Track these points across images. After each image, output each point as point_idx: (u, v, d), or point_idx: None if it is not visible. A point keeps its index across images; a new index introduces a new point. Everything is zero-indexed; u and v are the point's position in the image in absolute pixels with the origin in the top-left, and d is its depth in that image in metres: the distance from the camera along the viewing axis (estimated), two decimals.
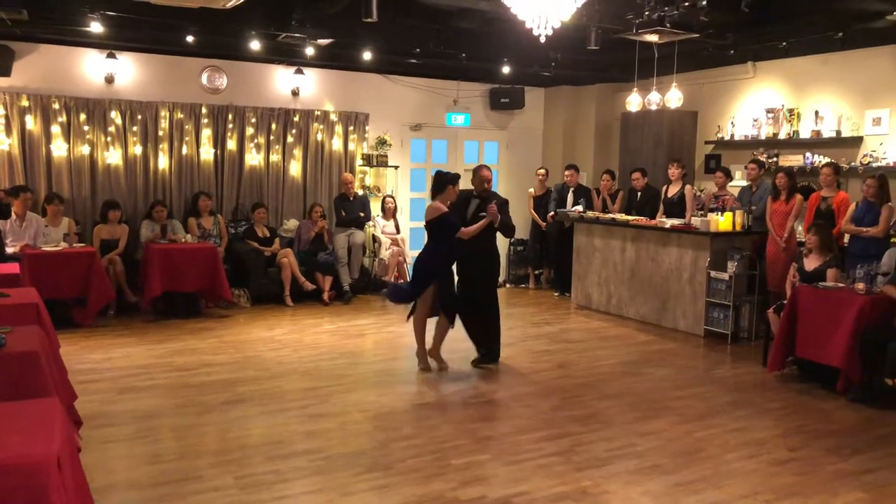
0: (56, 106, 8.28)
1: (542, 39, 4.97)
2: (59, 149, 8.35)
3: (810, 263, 6.31)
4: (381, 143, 10.08)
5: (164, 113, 8.83)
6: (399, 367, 6.32)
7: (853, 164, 7.74)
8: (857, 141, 7.87)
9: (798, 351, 5.98)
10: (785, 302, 6.19)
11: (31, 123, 8.20)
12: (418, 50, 8.64)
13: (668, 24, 6.52)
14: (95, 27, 7.23)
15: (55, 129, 8.31)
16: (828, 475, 4.21)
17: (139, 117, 8.71)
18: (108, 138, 8.58)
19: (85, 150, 8.48)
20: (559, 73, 9.72)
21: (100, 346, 6.72)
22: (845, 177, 7.61)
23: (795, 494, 3.94)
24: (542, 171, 10.37)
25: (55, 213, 7.79)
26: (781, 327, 6.03)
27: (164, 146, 8.88)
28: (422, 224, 5.72)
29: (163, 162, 8.89)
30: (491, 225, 6.04)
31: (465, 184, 6.64)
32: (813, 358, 5.87)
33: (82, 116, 8.43)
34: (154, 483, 3.92)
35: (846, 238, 6.95)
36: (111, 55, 8.46)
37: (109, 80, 8.59)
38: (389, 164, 10.18)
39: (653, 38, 7.07)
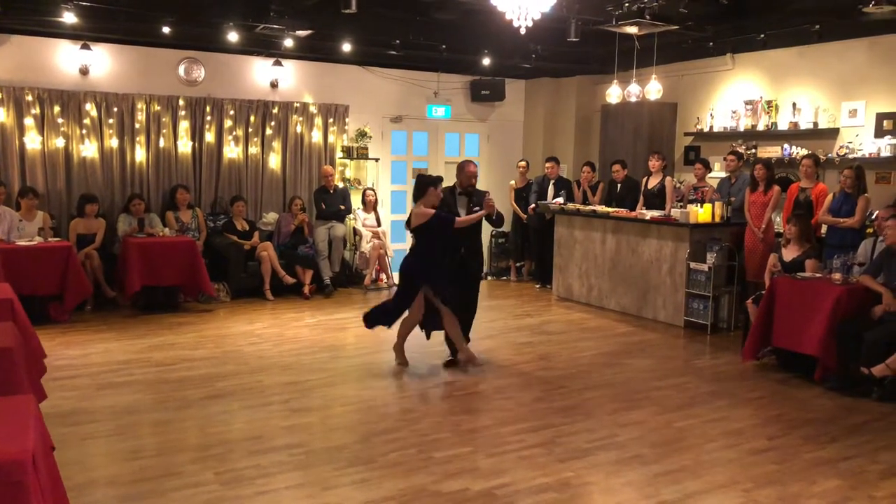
0: (29, 98, 8.14)
1: (522, 31, 4.97)
2: (32, 141, 8.21)
3: (788, 254, 6.37)
4: (362, 135, 10.03)
5: (140, 105, 8.71)
6: (381, 361, 6.30)
7: (830, 155, 7.82)
8: (833, 132, 7.95)
9: (775, 341, 6.04)
10: (763, 292, 6.25)
11: (4, 116, 8.04)
12: (398, 41, 8.60)
13: (647, 16, 6.56)
14: (69, 18, 7.11)
15: (28, 121, 8.16)
16: (805, 463, 4.26)
17: (115, 109, 8.59)
18: (84, 131, 8.45)
19: (59, 142, 8.35)
20: (539, 64, 9.73)
21: (77, 342, 6.64)
22: (822, 168, 7.69)
23: (774, 483, 3.98)
24: (523, 163, 10.38)
25: (29, 208, 7.66)
26: (759, 317, 6.09)
27: (141, 139, 8.76)
28: (402, 216, 5.71)
29: (140, 155, 8.78)
30: (478, 220, 5.99)
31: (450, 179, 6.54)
32: (791, 347, 5.93)
33: (56, 108, 8.29)
34: (134, 479, 3.87)
35: (824, 229, 7.02)
36: (85, 46, 8.32)
37: (84, 71, 8.45)
38: (370, 156, 10.13)
39: (632, 29, 7.11)
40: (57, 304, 7.30)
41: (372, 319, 6.03)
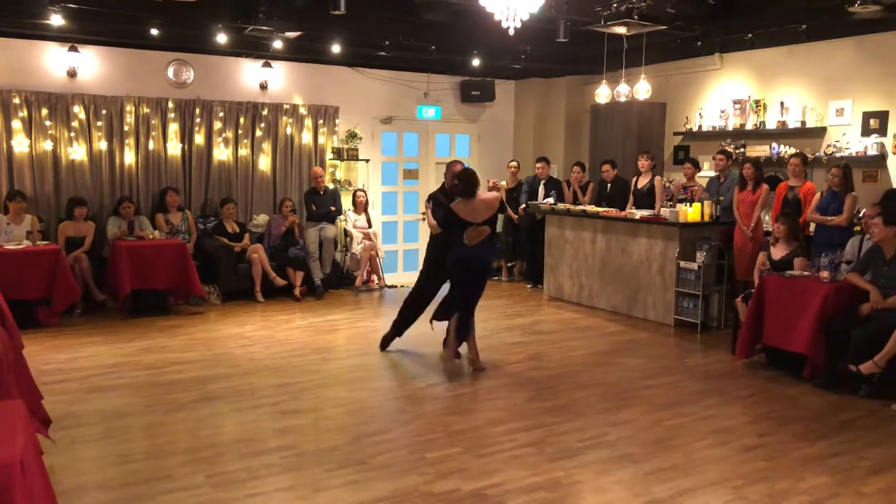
0: (17, 101, 8.10)
1: (511, 32, 4.97)
2: (20, 144, 8.17)
3: (777, 252, 6.40)
4: (352, 136, 10.02)
5: (129, 107, 8.68)
6: (371, 363, 6.30)
7: (818, 154, 7.87)
8: (821, 131, 8.00)
9: (765, 339, 6.07)
10: (752, 291, 6.28)
11: None
12: (388, 43, 8.60)
13: (635, 16, 6.58)
14: (56, 20, 7.08)
15: (16, 124, 8.12)
16: (795, 460, 4.28)
17: (104, 112, 8.55)
18: (72, 134, 8.42)
19: (47, 145, 8.31)
20: (529, 65, 9.75)
21: (66, 346, 6.61)
22: (810, 167, 7.73)
23: (764, 480, 4.00)
24: (514, 163, 10.40)
25: (17, 211, 7.62)
26: (749, 316, 6.12)
27: (130, 141, 8.73)
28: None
29: (129, 157, 8.74)
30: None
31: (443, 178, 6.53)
32: (780, 345, 5.96)
33: (44, 111, 8.25)
34: (124, 483, 3.86)
35: (812, 227, 7.06)
36: (73, 48, 8.29)
37: (72, 74, 8.42)
38: (360, 157, 10.12)
39: (621, 30, 7.13)
40: (45, 308, 7.26)
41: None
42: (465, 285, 5.95)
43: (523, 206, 9.81)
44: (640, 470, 4.11)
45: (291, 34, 7.86)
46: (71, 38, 8.09)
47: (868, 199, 7.04)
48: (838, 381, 5.59)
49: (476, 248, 5.83)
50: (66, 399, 5.13)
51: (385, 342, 6.56)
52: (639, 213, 8.04)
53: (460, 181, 5.81)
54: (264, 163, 9.55)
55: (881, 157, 7.46)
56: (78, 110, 8.42)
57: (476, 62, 9.60)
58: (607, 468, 4.13)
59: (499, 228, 10.61)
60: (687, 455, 4.33)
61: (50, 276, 7.14)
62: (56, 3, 6.73)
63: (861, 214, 6.71)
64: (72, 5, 6.80)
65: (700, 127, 9.15)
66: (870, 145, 7.50)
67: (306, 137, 9.76)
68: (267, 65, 9.39)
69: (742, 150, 8.64)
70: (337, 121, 9.97)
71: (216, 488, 3.81)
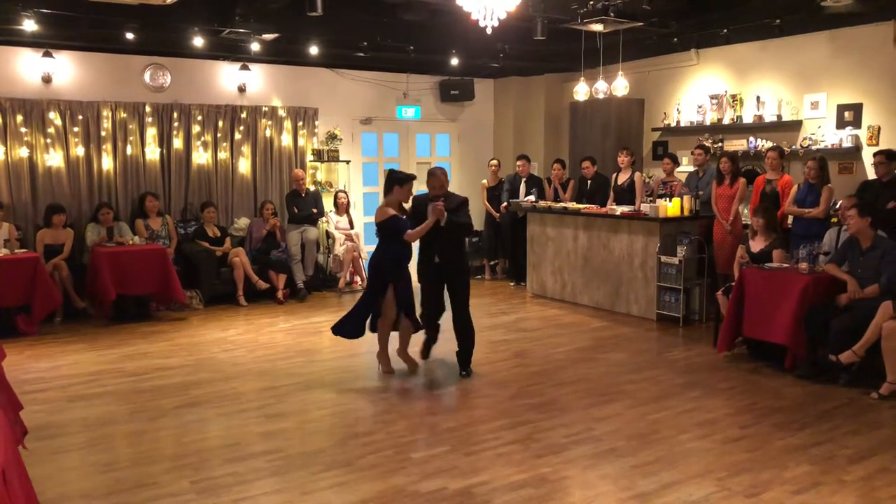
0: None
1: (489, 31, 4.98)
2: None
3: (756, 245, 6.47)
4: (332, 137, 10.00)
5: (106, 113, 8.60)
6: (356, 364, 6.29)
7: (794, 147, 7.96)
8: (796, 125, 8.10)
9: (746, 331, 6.13)
10: (733, 284, 6.35)
11: None
12: (365, 43, 8.58)
13: (612, 14, 6.61)
14: (29, 25, 6.99)
15: None
16: (777, 450, 4.34)
17: (80, 118, 8.47)
18: (48, 140, 8.33)
19: (23, 152, 8.22)
20: (507, 64, 9.77)
21: (47, 355, 6.54)
22: (787, 160, 7.83)
23: (747, 471, 4.05)
24: (495, 162, 10.42)
25: None
26: (730, 308, 6.18)
27: (108, 147, 8.65)
28: (374, 218, 5.62)
29: (107, 163, 8.66)
30: (449, 226, 5.63)
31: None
32: (761, 337, 6.03)
33: (19, 118, 8.16)
34: (108, 492, 3.83)
35: (790, 219, 7.15)
36: (48, 54, 8.20)
37: (47, 79, 8.33)
38: (341, 158, 10.10)
39: (598, 27, 7.16)
40: (25, 316, 7.18)
41: (341, 329, 5.86)
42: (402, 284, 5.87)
43: (505, 204, 9.84)
44: (626, 464, 4.14)
45: (269, 36, 7.82)
46: (45, 43, 8.01)
47: (844, 190, 7.14)
48: (818, 371, 5.67)
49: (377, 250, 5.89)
50: (48, 408, 5.08)
51: (426, 350, 6.30)
52: (619, 209, 8.10)
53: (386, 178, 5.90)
54: (244, 166, 9.50)
55: (856, 150, 7.57)
56: (54, 116, 8.33)
57: (455, 61, 9.61)
58: (593, 463, 4.16)
59: (481, 227, 10.70)
60: (671, 448, 4.37)
61: (29, 284, 7.07)
62: (29, 8, 6.65)
63: (837, 206, 6.80)
64: (45, 10, 6.72)
65: (678, 122, 9.22)
66: (845, 137, 7.60)
67: (286, 140, 9.72)
68: (245, 67, 9.34)
69: (720, 144, 8.72)
70: (317, 122, 9.94)
71: (202, 494, 3.79)
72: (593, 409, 5.06)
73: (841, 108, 7.73)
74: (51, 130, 8.32)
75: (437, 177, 5.81)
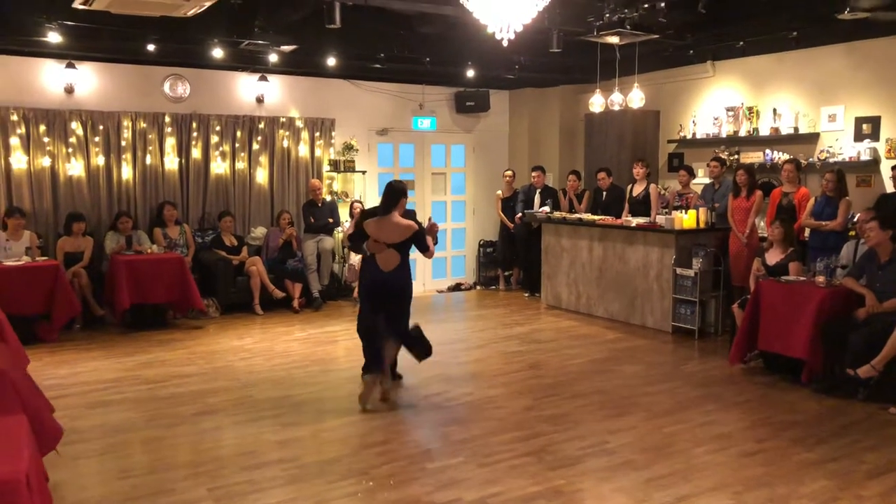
0: (14, 118, 8.12)
1: (505, 43, 5.01)
2: (18, 161, 8.19)
3: (772, 258, 6.44)
4: (348, 148, 10.07)
5: (126, 123, 8.72)
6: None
7: (811, 159, 7.92)
8: (813, 137, 8.06)
9: (762, 344, 6.10)
10: (749, 296, 6.32)
11: None
12: (383, 55, 8.66)
13: (627, 26, 6.63)
14: (53, 37, 7.12)
15: (14, 140, 8.15)
16: (794, 465, 4.31)
17: (101, 128, 8.59)
18: (70, 149, 8.45)
19: (45, 161, 8.34)
20: (523, 75, 9.81)
21: (66, 361, 6.61)
22: (804, 172, 7.79)
23: (763, 485, 4.02)
24: (509, 172, 10.45)
25: (16, 227, 7.63)
26: (745, 321, 6.15)
27: (128, 156, 8.76)
28: None
29: (126, 172, 8.77)
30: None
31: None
32: (777, 350, 5.99)
33: (42, 128, 8.28)
34: (126, 498, 3.87)
35: (807, 232, 7.11)
36: (70, 65, 8.33)
37: (69, 90, 8.45)
38: (357, 169, 10.17)
39: (613, 39, 7.18)
40: (45, 324, 7.27)
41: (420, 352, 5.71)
42: (379, 310, 5.52)
43: (519, 214, 9.86)
44: (641, 477, 4.13)
45: (287, 48, 7.90)
46: (68, 54, 8.14)
47: (862, 203, 7.09)
48: (836, 385, 5.63)
49: (388, 272, 5.46)
50: (68, 414, 5.13)
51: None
52: (635, 221, 8.09)
53: (385, 192, 5.54)
54: (261, 176, 9.59)
55: (874, 162, 7.52)
56: (75, 126, 8.45)
57: (470, 73, 9.66)
58: (608, 476, 4.15)
59: (495, 237, 10.73)
60: (686, 461, 4.36)
61: (49, 291, 7.16)
62: (54, 20, 6.77)
63: (855, 219, 6.76)
64: (69, 23, 6.84)
65: (694, 134, 9.21)
66: (863, 150, 7.56)
67: (303, 150, 9.80)
68: (263, 78, 9.44)
69: (736, 156, 8.70)
70: (333, 133, 10.01)
71: (218, 501, 3.82)
72: (608, 422, 5.05)
73: (859, 121, 7.69)
74: (72, 140, 8.44)
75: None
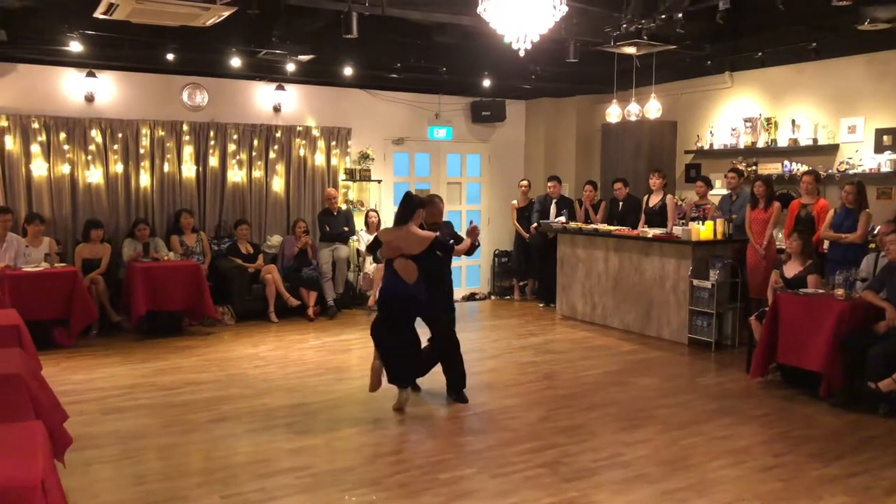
0: (35, 125, 8.24)
1: (522, 53, 5.01)
2: (39, 168, 8.30)
3: (790, 270, 6.38)
4: (364, 157, 10.10)
5: (145, 131, 8.80)
6: (385, 382, 6.29)
7: (830, 171, 7.85)
8: (833, 149, 7.99)
9: (780, 357, 6.03)
10: (766, 309, 6.25)
11: (11, 143, 8.14)
12: (399, 65, 8.69)
13: (645, 37, 6.61)
14: (75, 46, 7.22)
15: (35, 148, 8.26)
16: (812, 480, 4.25)
17: (120, 135, 8.68)
18: (89, 157, 8.54)
19: (65, 169, 8.43)
20: (539, 85, 9.80)
21: (82, 367, 6.66)
22: (823, 184, 7.72)
23: (780, 500, 3.97)
24: (525, 182, 10.43)
25: (36, 234, 7.72)
26: (763, 334, 6.09)
27: (146, 164, 8.85)
28: None
29: (144, 180, 8.85)
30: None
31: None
32: (795, 364, 5.92)
33: (62, 135, 8.38)
34: None
35: (826, 244, 7.03)
36: (91, 74, 8.44)
37: (89, 98, 8.56)
38: (372, 178, 10.20)
39: (630, 50, 7.17)
40: (62, 329, 7.33)
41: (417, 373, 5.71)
42: (394, 322, 5.45)
43: (535, 224, 9.83)
44: (656, 490, 4.09)
45: (304, 57, 7.95)
46: (89, 63, 8.24)
47: (882, 216, 7.01)
48: (855, 399, 5.55)
49: (409, 284, 5.38)
50: (83, 420, 5.16)
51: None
52: (651, 232, 8.04)
53: (401, 203, 5.54)
54: (278, 184, 9.64)
55: (895, 174, 7.44)
56: (95, 134, 8.55)
57: (486, 83, 9.67)
58: (622, 488, 4.11)
59: (510, 247, 10.70)
60: (702, 475, 4.31)
61: (67, 297, 7.22)
62: (75, 30, 6.86)
63: (875, 231, 6.68)
64: (90, 32, 6.93)
65: (711, 145, 9.15)
66: (883, 162, 7.47)
67: (319, 159, 9.85)
68: (280, 87, 9.51)
69: (754, 167, 8.63)
70: (349, 142, 10.05)
71: None
72: (623, 434, 5.00)
73: (879, 132, 7.61)
74: (92, 148, 8.54)
75: (437, 205, 5.86)
